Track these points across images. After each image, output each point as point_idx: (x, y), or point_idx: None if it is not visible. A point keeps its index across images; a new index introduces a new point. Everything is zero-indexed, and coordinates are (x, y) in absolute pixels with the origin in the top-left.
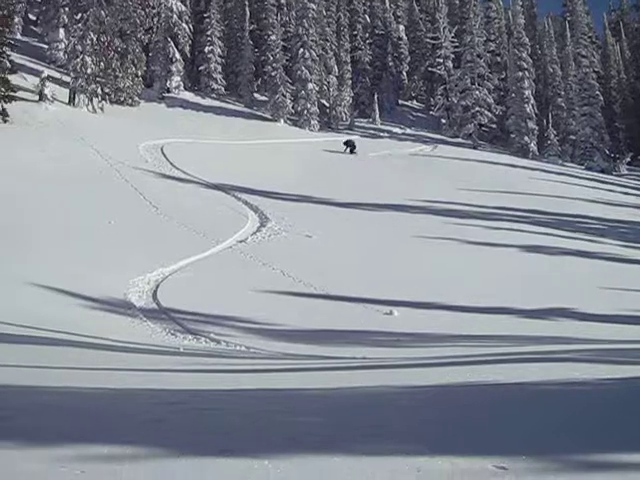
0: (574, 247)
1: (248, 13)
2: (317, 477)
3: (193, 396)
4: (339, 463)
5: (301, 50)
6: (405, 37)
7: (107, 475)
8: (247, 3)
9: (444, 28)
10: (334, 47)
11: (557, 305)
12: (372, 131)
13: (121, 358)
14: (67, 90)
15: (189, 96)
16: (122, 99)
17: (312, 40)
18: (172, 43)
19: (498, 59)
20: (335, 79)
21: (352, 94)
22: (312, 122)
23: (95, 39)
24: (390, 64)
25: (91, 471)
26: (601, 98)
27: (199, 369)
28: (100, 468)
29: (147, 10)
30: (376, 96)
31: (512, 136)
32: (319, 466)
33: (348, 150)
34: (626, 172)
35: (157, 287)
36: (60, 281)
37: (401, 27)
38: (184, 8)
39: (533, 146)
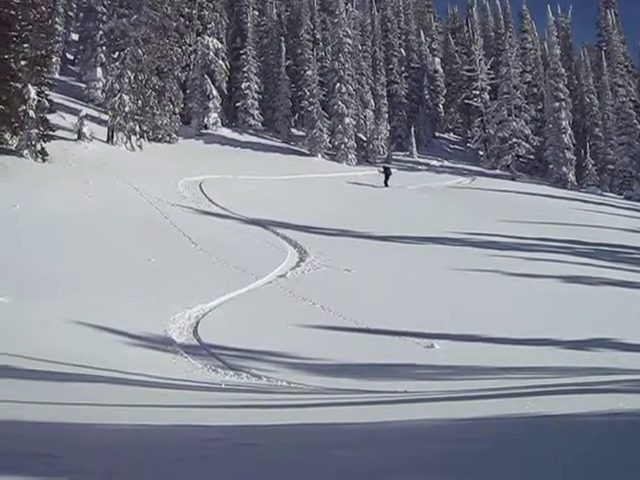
0: (615, 277)
1: (284, 49)
2: None
3: (235, 432)
4: None
5: (337, 85)
6: (441, 70)
7: None
8: (283, 39)
9: (480, 60)
10: (370, 81)
11: (599, 336)
12: (410, 164)
13: (163, 394)
14: (105, 128)
15: (226, 132)
16: (160, 136)
17: (348, 74)
18: (209, 80)
19: (535, 90)
20: (372, 113)
21: (389, 127)
22: (349, 156)
23: (132, 77)
24: (426, 97)
25: None
26: (639, 127)
27: (241, 405)
28: None
29: (184, 48)
30: (413, 129)
31: (550, 167)
32: None
33: (383, 177)
34: None
35: (197, 323)
36: (102, 319)
37: (437, 60)
38: (220, 45)
39: (571, 176)
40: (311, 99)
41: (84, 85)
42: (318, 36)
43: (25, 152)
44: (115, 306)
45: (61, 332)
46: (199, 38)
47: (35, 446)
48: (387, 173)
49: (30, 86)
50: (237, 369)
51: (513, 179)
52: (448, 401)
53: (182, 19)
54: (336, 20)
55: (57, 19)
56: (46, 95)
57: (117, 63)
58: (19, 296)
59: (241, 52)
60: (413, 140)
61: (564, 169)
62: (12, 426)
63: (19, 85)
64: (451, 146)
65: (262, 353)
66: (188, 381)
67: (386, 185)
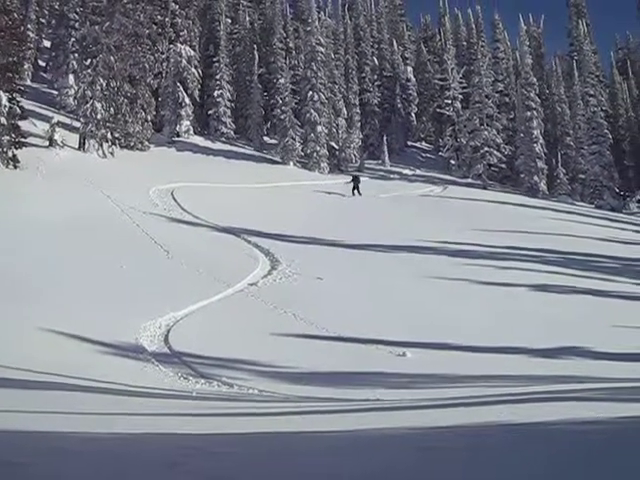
0: (586, 286)
1: (257, 57)
2: None
3: (206, 440)
4: None
5: (310, 93)
6: (413, 79)
7: None
8: (256, 47)
9: (452, 69)
10: (342, 90)
11: (570, 344)
12: (382, 173)
13: (134, 402)
14: (77, 135)
15: (199, 140)
16: (132, 144)
17: (321, 83)
18: (181, 87)
19: (506, 99)
20: (344, 121)
21: (361, 136)
22: (322, 164)
23: (105, 84)
24: (399, 106)
25: None
26: (610, 136)
27: (212, 413)
28: None
29: (156, 55)
30: (385, 138)
31: (522, 176)
32: None
33: (352, 186)
34: (636, 210)
35: (169, 331)
36: (71, 326)
37: (409, 69)
38: (193, 53)
39: (543, 185)
40: (283, 107)
41: (56, 92)
42: (291, 44)
43: None
44: (86, 313)
45: (32, 339)
46: (172, 46)
47: (6, 454)
48: (356, 182)
49: (1, 93)
50: (208, 377)
51: (485, 188)
52: (422, 409)
53: (155, 26)
54: (309, 28)
55: (29, 26)
56: (17, 102)
57: (89, 70)
58: None
59: (214, 60)
60: (385, 149)
61: (535, 178)
62: None
63: None
64: (423, 155)
65: (233, 361)
66: (159, 389)
67: (354, 194)
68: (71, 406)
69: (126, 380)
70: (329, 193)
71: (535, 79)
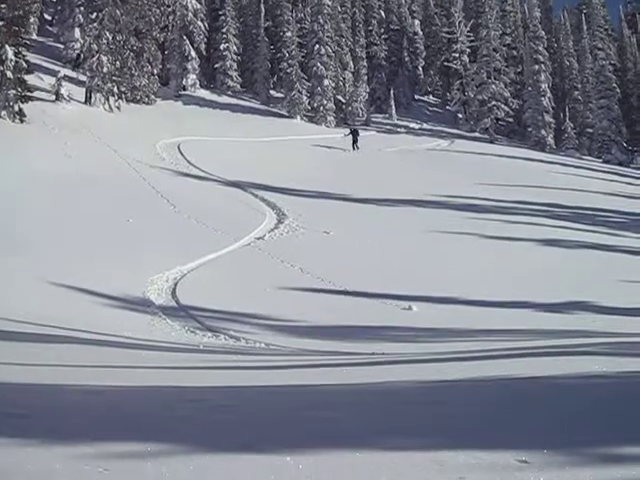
0: (593, 240)
1: (263, 10)
2: (339, 472)
3: (214, 393)
4: (362, 458)
5: (316, 46)
6: (420, 32)
7: (131, 473)
8: (262, 0)
9: (459, 22)
10: (349, 43)
11: (576, 299)
12: (389, 127)
13: (141, 356)
14: (83, 89)
15: (205, 94)
16: (138, 98)
17: (327, 36)
18: (187, 41)
19: (514, 53)
20: (351, 75)
21: (368, 90)
22: (328, 118)
23: (111, 38)
24: (406, 59)
25: (114, 469)
26: (618, 91)
27: (219, 366)
28: (123, 466)
29: (162, 8)
30: (392, 91)
31: (529, 130)
32: (341, 461)
33: (352, 140)
34: None
35: (176, 285)
36: (78, 280)
37: (416, 22)
38: (199, 6)
39: (550, 139)
40: (290, 61)
41: (62, 46)
42: None
43: (2, 113)
44: (93, 267)
45: (37, 292)
46: None
47: (8, 406)
48: (355, 135)
49: (7, 47)
50: (215, 331)
51: (492, 142)
52: (426, 363)
53: None
54: None
55: None
56: (23, 56)
57: (95, 24)
58: None
59: (220, 13)
60: (392, 102)
61: (543, 132)
62: None
63: None
64: (430, 109)
65: (240, 315)
66: (167, 342)
67: (354, 148)
68: (78, 359)
69: (134, 333)
70: (329, 147)
71: (543, 32)
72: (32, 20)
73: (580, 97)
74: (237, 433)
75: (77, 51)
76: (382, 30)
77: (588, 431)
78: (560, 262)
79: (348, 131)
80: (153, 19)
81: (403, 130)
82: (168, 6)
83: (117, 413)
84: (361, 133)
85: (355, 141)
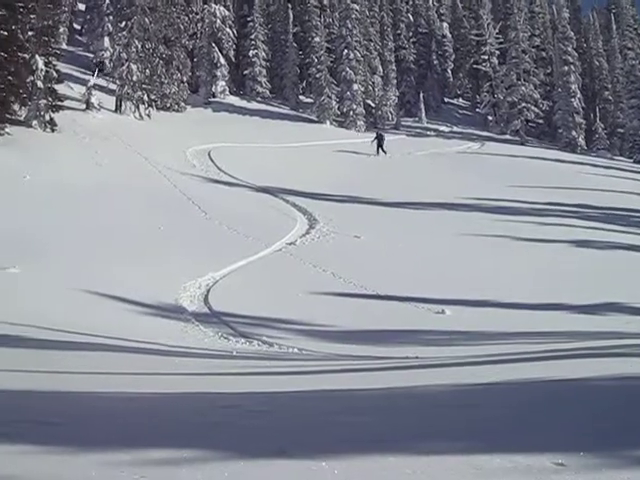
0: (626, 241)
1: (291, 16)
2: (373, 477)
3: (247, 399)
4: (396, 463)
5: (345, 51)
6: (449, 35)
7: (166, 479)
8: (290, 6)
9: (488, 24)
10: (378, 47)
11: (609, 300)
12: (418, 130)
13: (174, 362)
14: (113, 98)
15: (234, 100)
16: (168, 105)
17: (356, 41)
18: (216, 48)
19: (543, 54)
20: (380, 79)
21: (397, 93)
22: (358, 123)
23: (140, 46)
24: (435, 62)
25: (150, 476)
26: None
27: (253, 372)
28: (159, 472)
29: (191, 16)
30: (421, 95)
31: (559, 131)
32: (375, 466)
33: (375, 147)
34: None
35: (208, 291)
36: (112, 288)
37: (445, 25)
38: (227, 13)
39: (581, 140)
40: (319, 66)
41: (92, 55)
42: (325, 2)
43: (34, 123)
44: (125, 275)
45: (72, 301)
46: (206, 6)
47: (40, 414)
48: (380, 140)
49: (38, 57)
50: (248, 336)
51: (522, 144)
52: (460, 366)
53: None
54: None
55: None
56: (54, 65)
57: (124, 32)
58: (30, 266)
59: (248, 19)
60: (422, 106)
61: (573, 133)
62: (21, 395)
63: (27, 56)
64: (460, 111)
65: (273, 320)
66: (200, 349)
67: (378, 153)
68: (112, 367)
69: (167, 340)
70: (357, 153)
71: (572, 33)
72: (62, 30)
73: (610, 97)
74: (271, 438)
75: (102, 58)
76: (410, 33)
77: (624, 433)
78: (593, 263)
79: (374, 136)
80: (182, 27)
81: (433, 133)
82: (196, 13)
83: (151, 420)
84: (391, 137)
85: (380, 146)
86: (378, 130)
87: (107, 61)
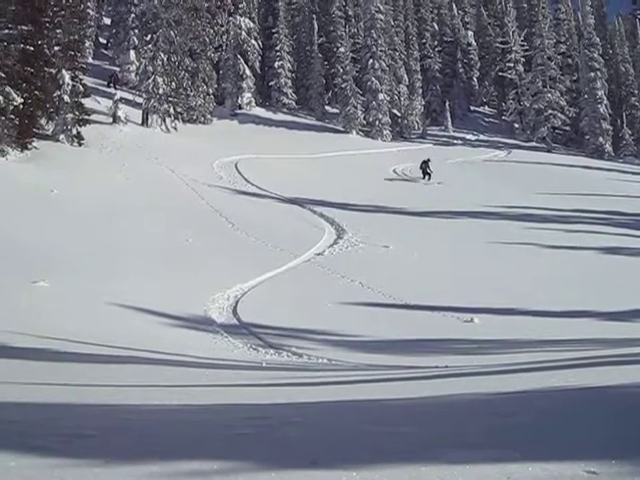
0: None
1: (316, 26)
2: None
3: (278, 410)
4: (428, 472)
5: (370, 61)
6: (474, 43)
7: None
8: (315, 16)
9: (513, 32)
10: (403, 56)
11: (638, 307)
12: (445, 139)
13: (204, 374)
14: (140, 111)
15: (260, 112)
16: (194, 117)
17: (381, 50)
18: (242, 60)
19: (569, 61)
20: (406, 88)
21: (423, 102)
22: (384, 132)
23: (165, 59)
24: (460, 71)
25: None
26: None
27: (283, 383)
28: None
29: (216, 28)
30: (447, 103)
31: (586, 138)
32: (407, 476)
33: (426, 175)
34: None
35: (237, 303)
36: (141, 300)
37: (470, 33)
38: (252, 25)
39: (608, 147)
40: (344, 76)
41: (118, 68)
42: (350, 12)
43: (61, 137)
44: (154, 288)
45: (101, 314)
46: (231, 18)
47: (76, 427)
48: (425, 166)
49: (64, 71)
50: (277, 347)
51: (549, 151)
52: (490, 375)
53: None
54: None
55: (89, 3)
56: (80, 80)
57: (150, 45)
58: (59, 280)
59: (273, 31)
60: (448, 114)
61: (601, 140)
62: (53, 409)
63: (53, 70)
64: (486, 119)
65: (302, 331)
66: (229, 360)
67: (424, 177)
68: (142, 379)
69: (196, 352)
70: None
71: (598, 39)
72: (87, 44)
73: (637, 103)
74: (302, 449)
75: (133, 73)
76: (435, 42)
77: None
78: (622, 270)
79: (420, 163)
80: (207, 39)
81: (460, 142)
82: (222, 26)
83: (182, 432)
84: (418, 146)
85: (426, 171)
86: (424, 159)
87: (132, 74)
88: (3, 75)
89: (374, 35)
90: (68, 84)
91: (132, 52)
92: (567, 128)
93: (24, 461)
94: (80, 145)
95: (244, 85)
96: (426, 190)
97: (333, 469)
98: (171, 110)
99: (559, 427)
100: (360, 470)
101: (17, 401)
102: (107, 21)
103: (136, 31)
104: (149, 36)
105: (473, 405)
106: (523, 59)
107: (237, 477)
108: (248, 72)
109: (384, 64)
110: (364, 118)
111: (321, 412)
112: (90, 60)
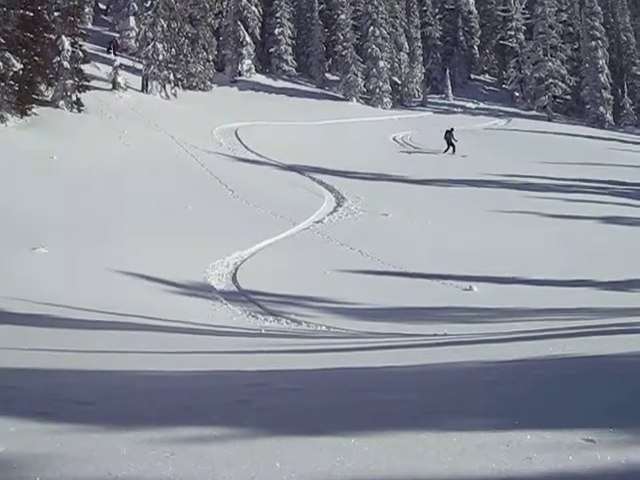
0: None
1: None
2: (404, 454)
3: (277, 376)
4: (426, 439)
5: (371, 28)
6: (475, 10)
7: (197, 456)
8: None
9: (514, 0)
10: (404, 24)
11: (637, 276)
12: (445, 107)
13: (203, 341)
14: (139, 78)
15: (261, 79)
16: (194, 84)
17: (382, 18)
18: (242, 26)
19: (570, 29)
20: (406, 56)
21: (424, 70)
22: (384, 100)
23: (165, 25)
24: (461, 38)
25: (181, 453)
26: None
27: (282, 350)
28: (189, 449)
29: None
30: (448, 71)
31: (587, 107)
32: (406, 443)
33: (450, 146)
34: None
35: (236, 270)
36: (141, 267)
37: (471, 0)
38: None
39: (609, 116)
40: (345, 43)
41: (117, 35)
42: None
43: (61, 103)
44: (154, 254)
45: (100, 281)
46: None
47: (74, 393)
48: (450, 138)
49: (64, 37)
50: (277, 315)
51: (549, 120)
52: (488, 343)
53: None
54: None
55: None
56: (80, 46)
57: (150, 12)
58: (58, 246)
59: None
60: (448, 82)
61: (601, 109)
62: (55, 374)
63: (53, 36)
64: (486, 88)
65: (301, 298)
66: (228, 327)
67: (449, 149)
68: (142, 346)
69: (196, 319)
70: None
71: (599, 8)
72: (87, 10)
73: (638, 72)
74: (302, 416)
75: (132, 39)
76: (436, 10)
77: None
78: (622, 239)
79: (444, 133)
80: (207, 5)
81: (460, 110)
82: None
83: (181, 398)
84: (418, 114)
85: (450, 142)
86: (447, 128)
87: (132, 40)
88: (2, 41)
89: (375, 2)
90: (68, 50)
91: (132, 18)
92: (568, 97)
93: (24, 426)
94: (80, 111)
95: (244, 52)
96: (429, 159)
97: (332, 435)
98: (171, 77)
99: (557, 395)
100: (359, 437)
101: (16, 367)
102: None
103: None
104: (149, 2)
105: (472, 373)
106: (524, 27)
107: (236, 443)
108: (248, 39)
109: (385, 31)
110: (364, 86)
111: (321, 379)
112: (90, 26)
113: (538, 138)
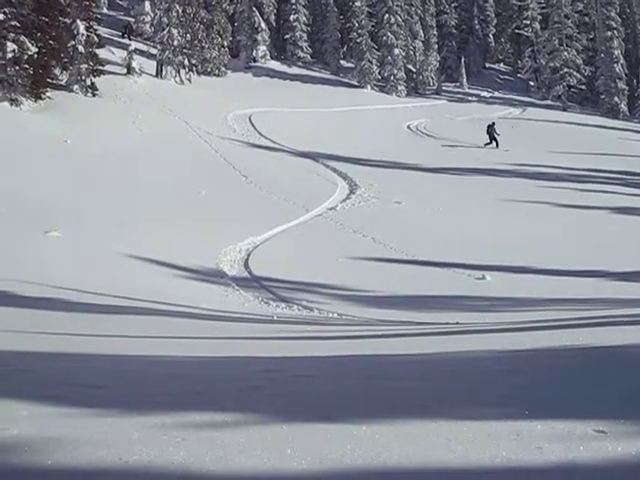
0: None
1: None
2: (415, 442)
3: (289, 363)
4: (437, 428)
5: (386, 15)
6: None
7: (208, 442)
8: None
9: None
10: (419, 11)
11: None
12: (460, 95)
13: (215, 327)
14: (154, 62)
15: (275, 65)
16: (209, 70)
17: (397, 5)
18: (257, 12)
19: (586, 19)
20: (421, 44)
21: (438, 58)
22: (399, 88)
23: (181, 11)
24: (476, 27)
25: (192, 439)
26: None
27: (293, 336)
28: (200, 435)
29: None
30: (463, 60)
31: (602, 97)
32: (417, 431)
33: (493, 140)
34: None
35: (248, 256)
36: (153, 251)
37: None
38: None
39: (623, 106)
40: (360, 30)
41: (132, 19)
42: None
43: (75, 87)
44: (166, 239)
45: (113, 265)
46: None
47: (87, 377)
48: (492, 132)
49: (79, 21)
50: (288, 301)
51: (564, 110)
52: (501, 332)
53: None
54: None
55: None
56: (95, 30)
57: None
58: (71, 230)
59: None
60: (463, 71)
61: (616, 99)
62: (68, 358)
63: (68, 20)
64: (501, 77)
65: (313, 285)
66: (240, 313)
67: (491, 143)
68: (150, 331)
69: (208, 305)
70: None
71: None
72: None
73: None
74: (313, 403)
75: (148, 24)
76: None
77: None
78: (635, 230)
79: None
80: None
81: (474, 99)
82: None
83: (194, 384)
84: (432, 102)
85: (492, 137)
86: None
87: (146, 25)
88: (18, 24)
89: None
90: (82, 34)
91: (147, 3)
92: (582, 87)
93: (36, 410)
94: (94, 96)
95: (259, 38)
96: (440, 146)
97: (343, 423)
98: (185, 62)
99: (569, 386)
100: (370, 424)
101: (28, 350)
102: None
103: None
104: None
105: (484, 362)
106: (540, 16)
107: (248, 429)
108: (263, 25)
109: (400, 19)
110: (379, 73)
111: (333, 366)
112: (105, 10)
113: (552, 128)
